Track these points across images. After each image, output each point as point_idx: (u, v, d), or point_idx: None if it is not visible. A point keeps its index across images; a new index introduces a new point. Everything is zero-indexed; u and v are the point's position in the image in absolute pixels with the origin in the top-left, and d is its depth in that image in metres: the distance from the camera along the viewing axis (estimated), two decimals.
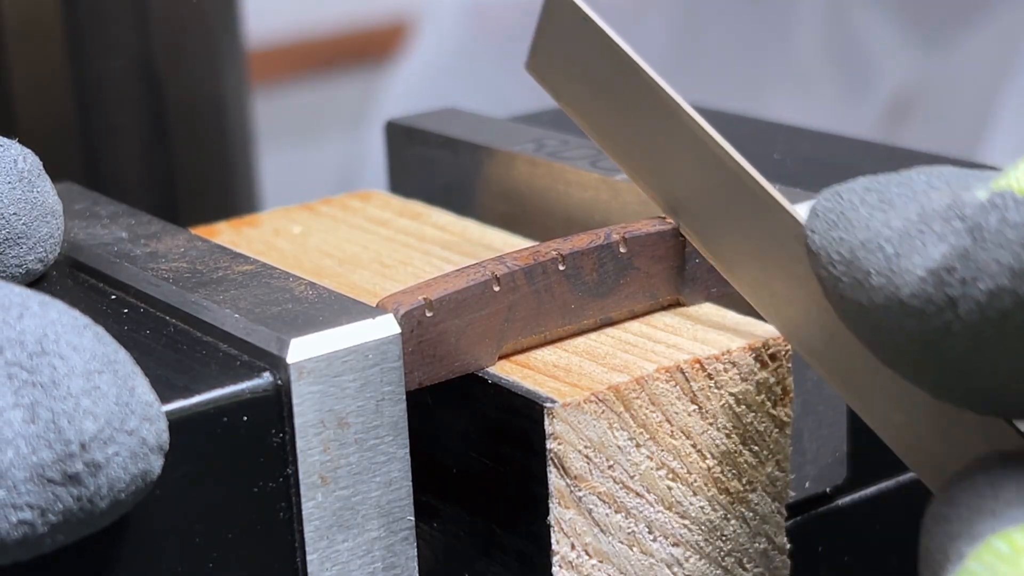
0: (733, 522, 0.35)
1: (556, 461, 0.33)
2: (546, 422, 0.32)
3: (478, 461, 0.35)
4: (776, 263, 0.33)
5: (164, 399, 0.30)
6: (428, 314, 0.33)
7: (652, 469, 0.34)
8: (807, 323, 0.33)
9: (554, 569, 0.33)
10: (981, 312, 0.26)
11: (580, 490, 0.33)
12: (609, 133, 0.36)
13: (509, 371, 0.34)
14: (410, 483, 0.33)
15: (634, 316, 0.37)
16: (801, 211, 0.32)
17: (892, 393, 0.31)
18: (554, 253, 0.35)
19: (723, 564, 0.35)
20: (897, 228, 0.28)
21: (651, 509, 0.34)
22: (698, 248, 0.36)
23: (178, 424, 0.30)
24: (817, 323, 0.32)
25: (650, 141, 0.35)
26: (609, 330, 0.36)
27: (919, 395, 0.30)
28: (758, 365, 0.35)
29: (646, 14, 1.19)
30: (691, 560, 0.35)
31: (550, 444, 0.33)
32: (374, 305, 0.33)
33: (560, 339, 0.36)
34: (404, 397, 0.32)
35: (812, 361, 0.33)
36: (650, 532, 0.34)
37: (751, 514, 0.35)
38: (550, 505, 0.33)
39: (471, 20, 1.28)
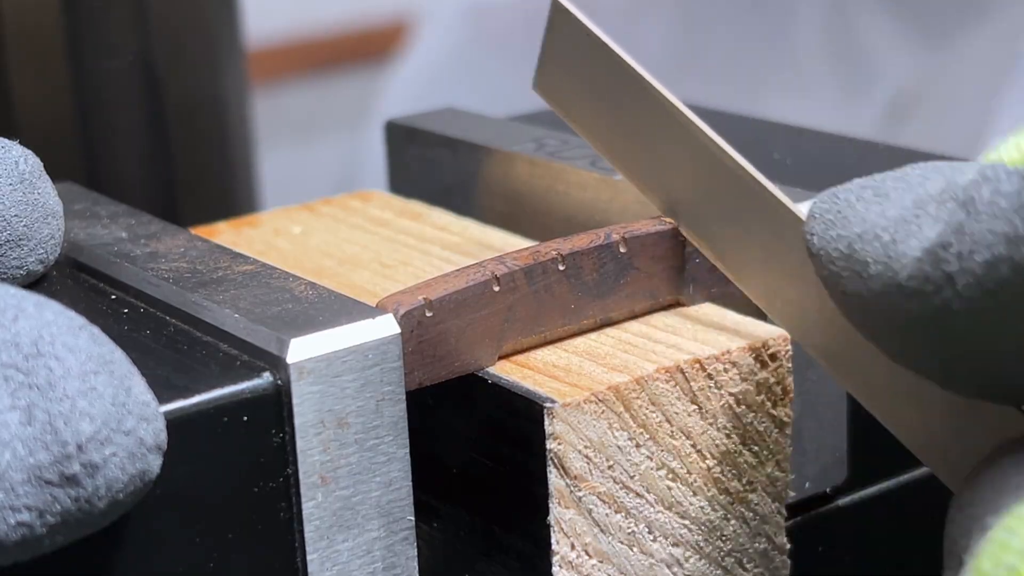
0: (733, 522, 0.35)
1: (556, 461, 0.33)
2: (546, 422, 0.32)
3: (478, 461, 0.35)
4: (780, 262, 0.33)
5: (164, 399, 0.30)
6: (428, 314, 0.33)
7: (652, 469, 0.34)
8: (814, 322, 0.33)
9: (554, 569, 0.33)
10: (979, 284, 0.26)
11: (580, 490, 0.33)
12: (616, 149, 0.36)
13: (509, 371, 0.34)
14: (410, 483, 0.33)
15: (634, 316, 0.37)
16: (803, 210, 0.32)
17: (905, 391, 0.31)
18: (554, 253, 0.35)
19: (723, 564, 0.35)
20: (893, 217, 0.28)
21: (651, 509, 0.34)
22: (701, 249, 0.36)
23: (178, 424, 0.29)
24: (825, 322, 0.32)
25: (655, 152, 0.35)
26: (609, 330, 0.36)
27: (932, 391, 0.29)
28: (758, 365, 0.35)
29: (646, 14, 1.19)
30: (691, 560, 0.35)
31: (550, 444, 0.33)
32: (374, 305, 0.33)
33: (560, 339, 0.36)
34: (404, 397, 0.32)
35: (821, 360, 0.33)
36: (650, 532, 0.34)
37: (751, 514, 0.35)
38: (550, 505, 0.33)
39: (471, 20, 1.28)
